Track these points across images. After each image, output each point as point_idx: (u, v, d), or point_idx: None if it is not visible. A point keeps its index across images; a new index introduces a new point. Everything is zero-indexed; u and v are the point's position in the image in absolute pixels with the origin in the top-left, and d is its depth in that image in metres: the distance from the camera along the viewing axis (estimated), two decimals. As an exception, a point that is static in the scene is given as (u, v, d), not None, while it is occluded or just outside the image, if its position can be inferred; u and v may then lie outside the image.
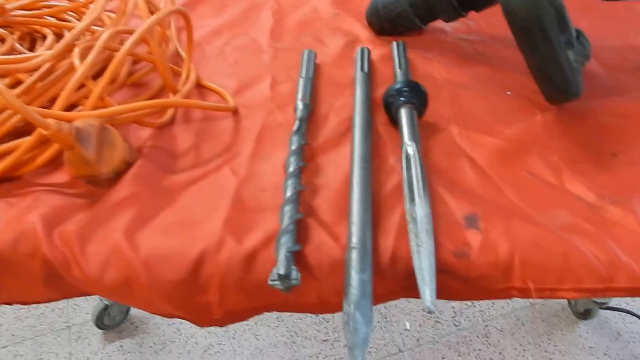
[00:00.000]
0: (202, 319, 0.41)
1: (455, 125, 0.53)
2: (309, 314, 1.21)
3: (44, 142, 0.47)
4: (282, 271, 0.37)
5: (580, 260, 0.40)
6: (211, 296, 0.40)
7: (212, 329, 1.18)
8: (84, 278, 0.39)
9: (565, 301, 1.26)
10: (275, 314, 1.22)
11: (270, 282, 0.37)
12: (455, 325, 1.21)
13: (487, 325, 1.21)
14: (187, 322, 0.42)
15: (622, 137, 0.51)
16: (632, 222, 0.43)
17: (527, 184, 0.47)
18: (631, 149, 0.49)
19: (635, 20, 0.66)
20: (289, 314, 1.22)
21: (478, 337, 1.19)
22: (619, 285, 0.40)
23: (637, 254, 0.41)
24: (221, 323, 0.42)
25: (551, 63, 0.48)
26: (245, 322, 1.19)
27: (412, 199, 0.42)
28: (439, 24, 0.65)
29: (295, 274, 0.37)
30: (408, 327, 1.21)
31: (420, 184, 0.43)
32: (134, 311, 1.21)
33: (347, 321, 0.35)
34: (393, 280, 0.40)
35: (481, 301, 1.26)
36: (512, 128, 0.52)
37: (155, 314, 0.42)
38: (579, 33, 0.52)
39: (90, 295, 0.42)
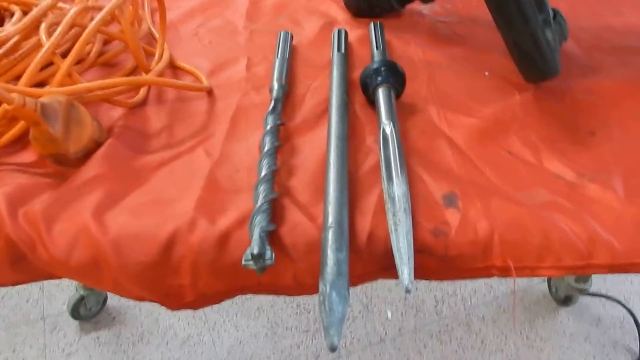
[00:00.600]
0: (174, 302, 0.40)
1: (433, 106, 0.52)
2: (290, 305, 1.20)
3: (9, 120, 0.45)
4: (255, 251, 0.36)
5: (560, 238, 0.40)
6: (183, 278, 0.39)
7: (191, 319, 1.17)
8: (49, 259, 0.38)
9: (546, 288, 1.27)
10: (255, 305, 1.21)
11: (244, 263, 0.36)
12: (437, 314, 1.21)
13: (468, 314, 1.22)
14: (165, 310, 0.41)
15: (600, 115, 0.51)
16: (611, 199, 0.42)
17: (506, 163, 0.46)
18: (608, 126, 0.49)
19: (612, 2, 0.66)
20: (269, 304, 1.21)
21: (460, 325, 1.19)
22: (599, 262, 0.40)
23: (617, 230, 0.40)
24: (194, 306, 0.40)
25: (529, 40, 0.47)
26: (225, 313, 1.18)
27: (389, 178, 0.41)
28: (416, 6, 0.65)
29: (269, 253, 0.36)
30: (390, 317, 1.20)
31: (398, 162, 0.42)
32: (111, 302, 1.19)
33: (322, 301, 0.34)
34: (370, 260, 0.40)
35: (463, 290, 1.26)
36: (490, 108, 0.52)
37: (125, 296, 0.40)
38: (556, 13, 0.52)
39: (57, 277, 0.40)
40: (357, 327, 1.18)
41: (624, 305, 1.18)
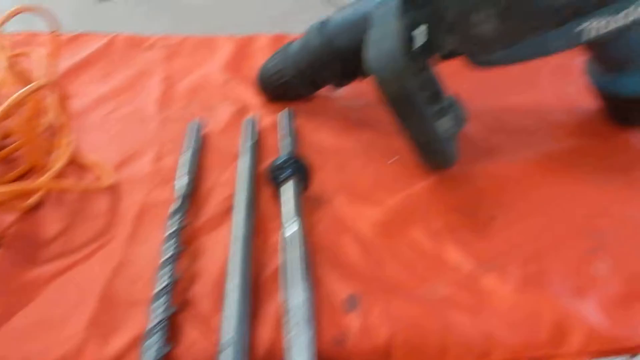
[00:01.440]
0: None
1: (341, 196, 0.52)
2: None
3: None
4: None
5: (457, 337, 0.40)
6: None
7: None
8: None
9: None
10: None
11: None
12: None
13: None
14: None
15: (501, 199, 0.52)
16: (507, 289, 0.43)
17: (408, 256, 0.46)
18: (508, 210, 0.50)
19: (511, 81, 0.68)
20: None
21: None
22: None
23: (512, 323, 0.41)
24: None
25: (422, 135, 0.49)
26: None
27: (288, 286, 0.41)
28: (328, 90, 0.66)
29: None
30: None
31: (298, 268, 0.42)
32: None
33: None
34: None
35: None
36: (396, 196, 0.52)
37: None
38: (453, 99, 0.54)
39: None
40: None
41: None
